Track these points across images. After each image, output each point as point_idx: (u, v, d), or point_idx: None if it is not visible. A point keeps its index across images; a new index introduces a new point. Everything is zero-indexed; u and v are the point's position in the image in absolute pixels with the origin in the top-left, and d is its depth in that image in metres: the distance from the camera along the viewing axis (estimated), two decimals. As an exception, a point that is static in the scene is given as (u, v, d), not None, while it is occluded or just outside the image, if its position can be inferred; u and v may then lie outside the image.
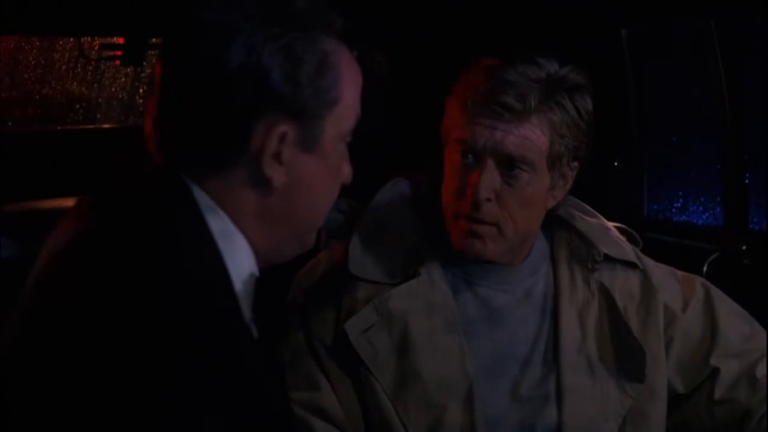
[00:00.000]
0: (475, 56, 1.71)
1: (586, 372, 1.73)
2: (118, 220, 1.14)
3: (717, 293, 1.86)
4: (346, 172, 1.27)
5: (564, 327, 1.75)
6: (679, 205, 2.66)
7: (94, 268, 1.08)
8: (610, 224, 1.88)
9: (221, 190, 1.17)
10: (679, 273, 1.89)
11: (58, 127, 3.15)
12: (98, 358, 1.01)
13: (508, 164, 1.65)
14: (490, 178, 1.65)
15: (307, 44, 1.16)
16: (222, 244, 1.16)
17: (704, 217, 2.62)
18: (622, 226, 1.91)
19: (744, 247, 2.32)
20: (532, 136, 1.64)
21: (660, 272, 1.85)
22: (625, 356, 1.75)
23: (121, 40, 2.53)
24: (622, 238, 1.87)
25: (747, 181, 2.37)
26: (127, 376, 1.00)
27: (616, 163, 2.58)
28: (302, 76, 1.15)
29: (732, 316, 1.84)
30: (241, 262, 1.19)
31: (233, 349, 1.09)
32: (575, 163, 1.73)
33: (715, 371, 1.78)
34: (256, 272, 1.23)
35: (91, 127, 3.18)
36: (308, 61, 1.16)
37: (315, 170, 1.21)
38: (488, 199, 1.65)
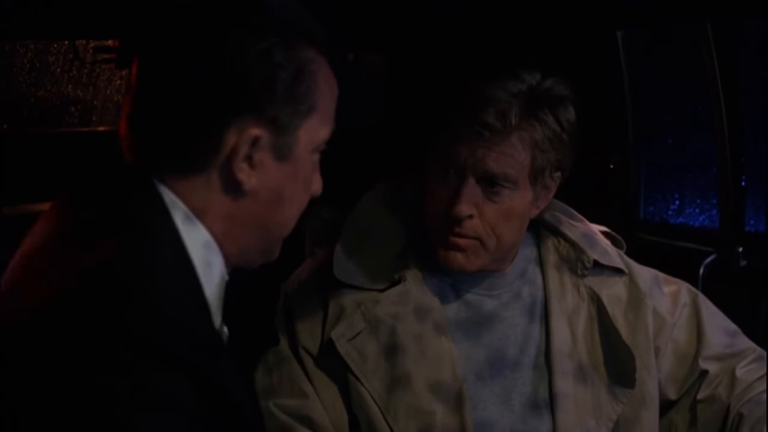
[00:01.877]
0: (458, 69, 1.70)
1: (578, 377, 1.73)
2: (86, 225, 1.13)
3: (702, 298, 1.87)
4: (317, 184, 1.26)
5: (554, 331, 1.74)
6: (675, 207, 2.66)
7: (60, 274, 1.06)
8: (595, 228, 1.88)
9: (192, 192, 1.16)
10: (664, 277, 1.89)
11: (54, 130, 3.14)
12: (64, 367, 1.00)
13: (489, 181, 1.64)
14: (470, 195, 1.63)
15: (285, 51, 1.15)
16: (192, 248, 1.15)
17: (700, 219, 2.62)
18: (607, 229, 1.91)
19: (740, 249, 2.32)
20: (513, 153, 1.63)
21: (647, 277, 1.85)
22: (615, 362, 1.74)
23: (116, 43, 2.52)
24: (608, 242, 1.86)
25: (743, 183, 2.37)
26: (92, 386, 0.98)
27: (612, 166, 2.58)
28: (278, 82, 1.15)
29: (716, 321, 1.85)
30: (212, 266, 1.18)
31: (202, 360, 1.07)
32: (558, 174, 1.72)
33: (703, 373, 1.79)
34: (226, 276, 1.22)
35: (86, 129, 3.17)
36: (286, 67, 1.15)
37: (286, 178, 1.20)
38: (470, 216, 1.64)
